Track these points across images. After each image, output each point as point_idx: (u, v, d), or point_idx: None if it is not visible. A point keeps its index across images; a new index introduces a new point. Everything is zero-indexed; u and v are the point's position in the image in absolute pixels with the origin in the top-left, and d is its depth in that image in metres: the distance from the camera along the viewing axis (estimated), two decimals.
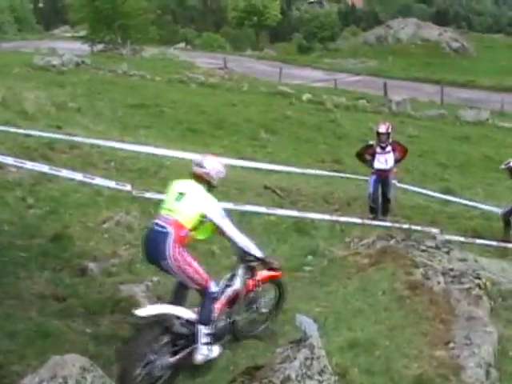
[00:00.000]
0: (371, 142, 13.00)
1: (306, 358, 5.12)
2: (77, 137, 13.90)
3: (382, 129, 12.76)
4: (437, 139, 25.36)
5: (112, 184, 11.15)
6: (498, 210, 14.31)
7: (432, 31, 68.84)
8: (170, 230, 5.95)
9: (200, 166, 6.31)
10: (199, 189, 6.21)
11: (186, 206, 6.05)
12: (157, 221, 6.11)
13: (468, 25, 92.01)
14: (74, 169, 11.70)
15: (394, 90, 36.21)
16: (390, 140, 12.84)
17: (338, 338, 6.80)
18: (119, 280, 8.17)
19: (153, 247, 6.01)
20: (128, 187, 11.17)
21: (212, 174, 6.32)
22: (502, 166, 13.01)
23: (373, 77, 46.24)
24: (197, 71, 36.82)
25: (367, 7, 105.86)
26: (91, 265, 8.31)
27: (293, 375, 4.91)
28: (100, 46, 49.28)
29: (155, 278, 8.32)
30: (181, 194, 6.14)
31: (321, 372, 5.10)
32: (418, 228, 11.84)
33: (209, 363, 6.10)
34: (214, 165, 6.39)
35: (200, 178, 6.28)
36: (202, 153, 14.86)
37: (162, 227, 6.00)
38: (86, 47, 48.00)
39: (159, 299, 7.91)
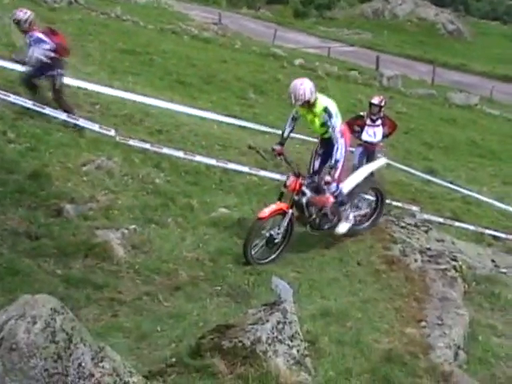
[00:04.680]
0: (362, 114, 12.90)
1: (278, 322, 5.03)
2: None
3: (376, 100, 12.68)
4: (424, 118, 25.24)
5: (96, 127, 10.89)
6: (478, 196, 14.40)
7: (429, 11, 68.34)
8: None
9: None
10: None
11: None
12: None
13: (465, 9, 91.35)
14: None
15: (385, 65, 35.99)
16: (382, 114, 12.77)
17: (310, 305, 6.76)
18: (95, 225, 8.04)
19: None
20: (112, 132, 10.94)
21: None
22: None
23: (366, 49, 45.87)
24: (190, 23, 36.21)
25: None
26: (68, 206, 8.16)
27: (263, 337, 4.80)
28: None
29: (132, 226, 8.21)
30: None
31: (292, 337, 5.03)
32: (399, 204, 11.82)
33: None
34: None
35: None
36: (188, 105, 14.82)
37: None
38: None
39: (134, 248, 7.82)
